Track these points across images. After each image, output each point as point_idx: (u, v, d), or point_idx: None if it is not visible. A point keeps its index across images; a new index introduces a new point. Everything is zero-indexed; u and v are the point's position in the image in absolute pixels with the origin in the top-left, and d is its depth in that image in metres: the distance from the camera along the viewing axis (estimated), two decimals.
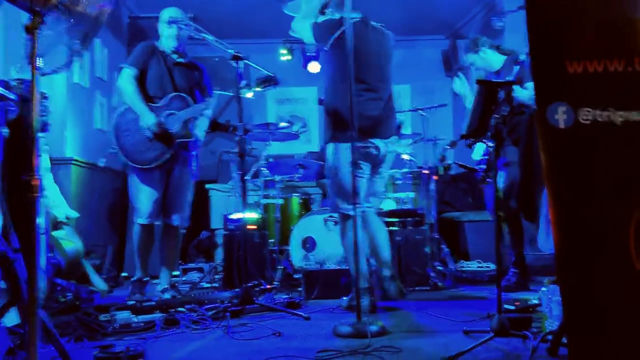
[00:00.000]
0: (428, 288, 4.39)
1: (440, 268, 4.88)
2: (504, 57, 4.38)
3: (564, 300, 1.75)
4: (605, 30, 1.81)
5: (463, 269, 5.78)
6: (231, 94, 3.54)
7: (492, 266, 6.05)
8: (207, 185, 6.61)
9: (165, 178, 3.97)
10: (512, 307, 3.28)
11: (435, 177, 5.41)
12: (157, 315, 3.13)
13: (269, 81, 3.81)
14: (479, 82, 2.51)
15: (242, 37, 7.00)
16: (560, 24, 1.82)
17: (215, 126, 3.37)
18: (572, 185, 1.71)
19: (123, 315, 3.07)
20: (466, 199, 7.00)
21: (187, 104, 3.90)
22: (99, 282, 4.64)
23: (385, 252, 3.59)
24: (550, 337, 2.33)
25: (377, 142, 3.45)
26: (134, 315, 3.08)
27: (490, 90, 2.51)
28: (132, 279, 4.07)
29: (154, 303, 3.31)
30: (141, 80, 3.95)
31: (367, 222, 3.57)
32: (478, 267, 5.95)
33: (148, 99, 3.91)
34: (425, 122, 5.10)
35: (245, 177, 4.11)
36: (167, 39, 3.99)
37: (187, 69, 4.08)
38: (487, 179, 4.46)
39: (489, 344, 2.45)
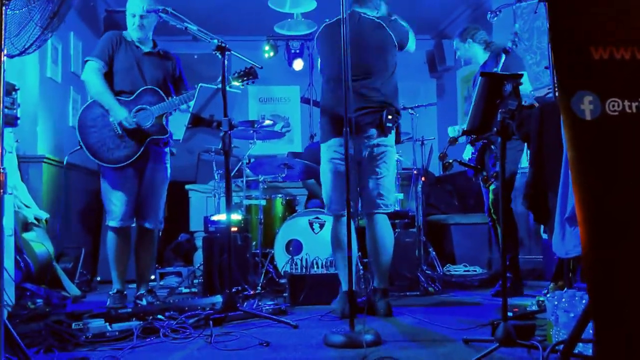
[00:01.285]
0: (418, 293, 4.23)
1: (429, 272, 4.73)
2: (487, 54, 4.28)
3: (592, 292, 1.59)
4: (633, 15, 1.66)
5: (450, 273, 5.66)
6: (215, 86, 3.30)
7: (479, 270, 5.95)
8: (186, 186, 6.38)
9: (137, 177, 3.73)
10: (510, 314, 3.13)
11: (422, 179, 5.26)
12: (134, 324, 2.90)
13: (248, 74, 3.60)
14: (483, 74, 2.35)
15: (223, 34, 6.78)
16: (584, 6, 1.66)
17: (197, 121, 3.16)
18: (601, 176, 1.55)
19: (97, 324, 2.83)
20: (452, 201, 6.88)
21: (159, 98, 3.66)
22: (71, 287, 4.40)
23: (385, 262, 3.43)
24: (560, 347, 2.16)
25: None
26: (108, 324, 2.84)
27: (495, 83, 2.35)
28: (110, 292, 3.79)
29: (130, 310, 3.08)
30: (109, 74, 3.69)
31: (372, 226, 3.41)
32: (464, 271, 5.83)
33: (116, 93, 3.65)
34: (414, 121, 4.94)
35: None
36: (131, 29, 3.73)
37: (158, 59, 3.82)
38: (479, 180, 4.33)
39: (493, 355, 2.28)
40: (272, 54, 7.16)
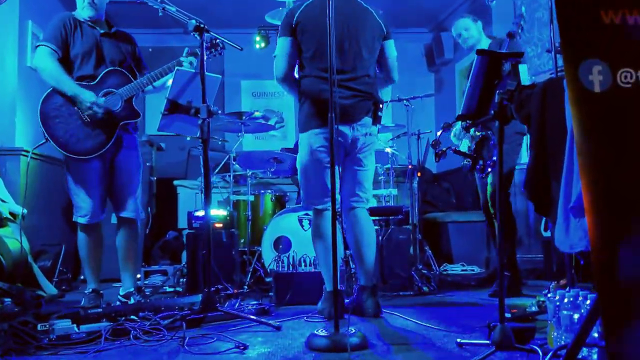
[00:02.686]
0: (412, 293, 4.01)
1: (424, 271, 4.52)
2: (489, 41, 4.07)
3: (600, 287, 1.39)
4: None
5: (447, 272, 5.45)
6: (192, 70, 3.09)
7: (477, 269, 5.75)
8: (175, 182, 6.18)
9: (107, 168, 3.49)
10: (508, 315, 2.93)
11: (418, 174, 5.06)
12: (104, 325, 2.69)
13: (213, 47, 3.35)
14: (479, 52, 2.14)
15: (213, 27, 6.59)
16: None
17: (174, 108, 2.94)
18: (612, 156, 1.35)
19: (63, 325, 2.62)
20: (449, 198, 6.68)
21: (125, 79, 3.42)
22: (48, 286, 4.18)
23: (369, 258, 3.22)
24: (563, 352, 1.96)
25: (343, 128, 3.07)
26: (75, 325, 2.63)
27: (493, 62, 2.15)
28: (86, 291, 3.58)
29: (100, 310, 2.87)
30: (64, 60, 3.40)
31: (354, 221, 3.19)
32: (462, 270, 5.64)
33: (77, 79, 3.38)
34: (410, 114, 4.73)
35: (211, 168, 3.72)
36: (81, 8, 3.46)
37: (117, 40, 3.56)
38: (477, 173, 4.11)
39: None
40: (263, 44, 6.95)
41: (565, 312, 2.19)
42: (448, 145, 3.78)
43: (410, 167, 4.80)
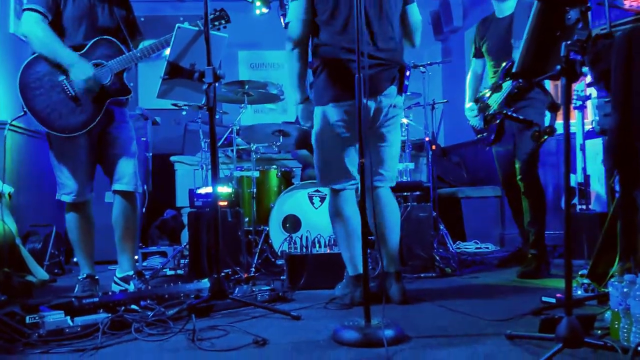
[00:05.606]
0: (434, 275, 3.72)
1: (441, 250, 4.23)
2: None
3: None
4: None
5: (461, 250, 5.17)
6: (195, 28, 2.72)
7: (492, 247, 5.48)
8: (171, 158, 5.83)
9: (95, 142, 3.16)
10: (552, 301, 2.65)
11: (432, 147, 4.75)
12: (101, 317, 2.37)
13: (219, 18, 3.05)
14: None
15: None
16: None
17: (175, 71, 2.58)
18: None
19: (55, 317, 2.30)
20: (460, 172, 6.36)
21: (117, 50, 3.05)
22: (38, 271, 3.86)
23: (393, 242, 2.91)
24: None
25: (368, 102, 2.74)
26: (69, 317, 2.31)
27: (555, 10, 1.82)
28: (79, 277, 3.26)
29: (97, 300, 2.55)
30: (54, 25, 3.01)
31: (376, 201, 2.86)
32: (476, 248, 5.37)
33: None
34: (427, 82, 4.38)
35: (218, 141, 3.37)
36: None
37: (109, 4, 3.16)
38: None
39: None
40: (264, 9, 6.54)
41: (637, 300, 1.90)
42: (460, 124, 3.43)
43: (427, 139, 4.47)
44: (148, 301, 2.65)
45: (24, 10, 3.02)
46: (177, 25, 2.68)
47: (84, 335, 2.26)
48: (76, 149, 3.08)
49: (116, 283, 3.23)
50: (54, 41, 2.95)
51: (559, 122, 2.47)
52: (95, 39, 3.04)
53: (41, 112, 2.94)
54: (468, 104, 3.99)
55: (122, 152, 3.17)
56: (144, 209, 5.23)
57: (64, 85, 2.97)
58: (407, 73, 2.91)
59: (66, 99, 2.97)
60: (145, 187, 5.23)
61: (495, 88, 3.24)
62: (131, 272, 3.22)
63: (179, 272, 4.15)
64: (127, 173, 3.17)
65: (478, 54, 4.09)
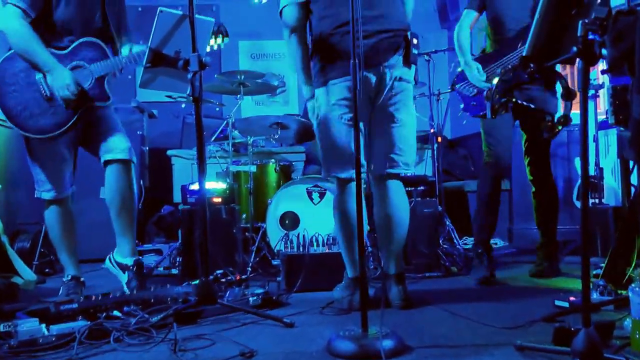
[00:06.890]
0: (440, 274, 3.54)
1: (446, 247, 4.03)
2: None
3: None
4: None
5: (467, 246, 4.98)
6: (180, 12, 2.54)
7: (500, 242, 5.28)
8: (168, 152, 5.65)
9: (74, 140, 2.98)
10: (565, 305, 2.46)
11: (438, 140, 4.55)
12: (79, 324, 2.21)
13: (218, 33, 2.89)
14: None
15: None
16: None
17: (158, 59, 2.40)
18: None
19: (29, 325, 2.14)
20: (467, 165, 6.16)
21: (101, 53, 2.88)
22: (25, 271, 3.69)
23: (399, 240, 2.70)
24: None
25: (366, 73, 2.52)
26: (44, 325, 2.15)
27: None
28: (64, 279, 3.10)
29: (76, 306, 2.38)
30: (44, 21, 2.84)
31: (384, 193, 2.67)
32: None
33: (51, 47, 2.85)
34: (433, 70, 4.17)
35: (208, 136, 3.21)
36: None
37: (103, 3, 2.96)
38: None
39: None
40: None
41: None
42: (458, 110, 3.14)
43: (432, 131, 4.27)
44: (132, 306, 2.47)
45: (6, 3, 2.83)
46: (159, 8, 2.49)
47: (59, 346, 2.09)
48: (52, 147, 2.90)
49: (112, 265, 3.07)
50: (32, 41, 2.77)
51: (575, 111, 2.28)
52: (81, 40, 2.87)
53: (11, 109, 2.79)
54: (469, 66, 3.40)
55: (109, 127, 2.98)
56: (140, 205, 5.07)
57: (39, 84, 2.81)
58: (415, 41, 2.65)
59: (40, 98, 2.81)
60: (142, 183, 5.07)
61: (505, 74, 2.98)
62: (130, 262, 3.02)
63: (174, 271, 3.98)
64: (120, 144, 2.96)
65: (480, 6, 3.43)
